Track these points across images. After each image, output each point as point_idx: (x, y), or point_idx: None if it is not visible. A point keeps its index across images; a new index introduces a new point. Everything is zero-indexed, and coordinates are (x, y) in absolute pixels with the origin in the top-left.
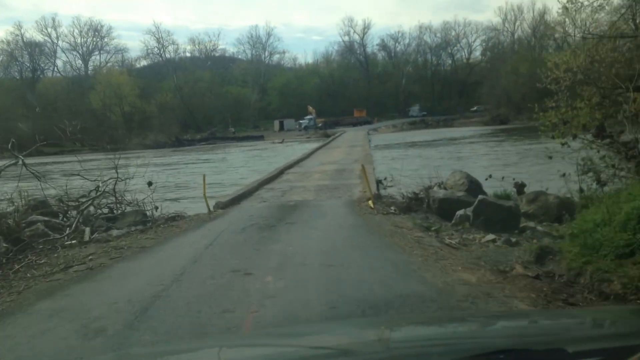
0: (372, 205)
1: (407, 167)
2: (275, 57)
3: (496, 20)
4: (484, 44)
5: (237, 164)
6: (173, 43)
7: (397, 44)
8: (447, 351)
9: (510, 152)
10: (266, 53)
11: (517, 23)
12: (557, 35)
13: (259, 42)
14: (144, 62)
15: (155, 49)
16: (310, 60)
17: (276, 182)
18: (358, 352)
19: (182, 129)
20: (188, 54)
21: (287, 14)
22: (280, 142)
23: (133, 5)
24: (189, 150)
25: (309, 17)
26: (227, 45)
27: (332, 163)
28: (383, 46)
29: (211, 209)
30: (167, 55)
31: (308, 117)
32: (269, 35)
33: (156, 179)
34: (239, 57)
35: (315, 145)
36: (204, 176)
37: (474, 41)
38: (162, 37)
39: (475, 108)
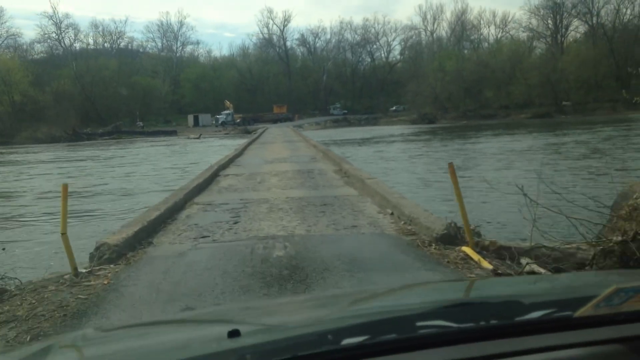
0: (483, 263)
1: (414, 168)
2: (189, 49)
3: (416, 19)
4: (402, 43)
5: (147, 164)
6: (73, 28)
7: (317, 40)
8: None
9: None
10: (178, 43)
11: (437, 23)
12: (473, 37)
13: (170, 31)
14: (40, 50)
15: (54, 34)
16: (226, 53)
17: (213, 192)
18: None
19: (83, 122)
20: (91, 42)
21: (197, 8)
22: (197, 138)
23: None
24: (88, 145)
25: (220, 13)
26: (136, 34)
27: (282, 161)
28: (303, 41)
29: (82, 269)
30: (67, 42)
31: (225, 112)
32: (181, 24)
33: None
34: (149, 48)
35: (241, 141)
36: (65, 187)
37: (393, 40)
38: (59, 20)
39: (394, 107)
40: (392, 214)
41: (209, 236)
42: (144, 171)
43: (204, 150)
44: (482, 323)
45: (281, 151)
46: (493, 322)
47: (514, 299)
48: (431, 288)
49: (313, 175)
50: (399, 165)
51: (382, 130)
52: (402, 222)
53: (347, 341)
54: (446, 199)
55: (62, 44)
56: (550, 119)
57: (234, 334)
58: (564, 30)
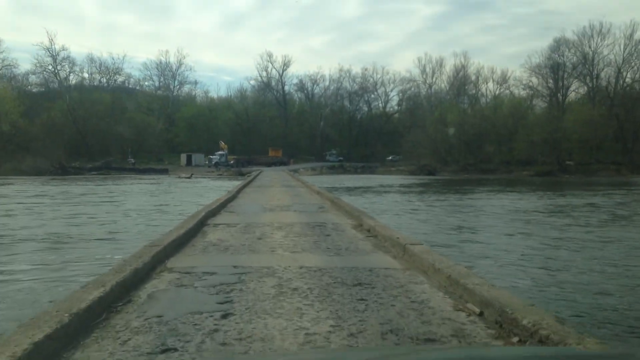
0: None
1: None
2: (186, 88)
3: (415, 71)
4: (400, 94)
5: (120, 203)
6: (69, 61)
7: (315, 86)
8: None
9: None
10: (176, 82)
11: (435, 76)
12: (471, 92)
13: (169, 69)
14: (36, 81)
15: (50, 67)
16: (223, 94)
17: (197, 250)
18: None
19: (73, 156)
20: (86, 76)
21: (197, 51)
22: (188, 178)
23: (32, 29)
24: (71, 180)
25: (219, 57)
26: (133, 71)
27: (284, 209)
28: (301, 87)
29: None
30: (63, 75)
31: (219, 152)
32: (179, 63)
33: None
34: (146, 86)
35: (235, 183)
36: None
37: (391, 90)
38: (55, 52)
39: (390, 157)
40: (481, 314)
41: (174, 350)
42: (111, 212)
43: (193, 191)
44: None
45: (281, 197)
46: None
47: None
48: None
49: (327, 230)
50: (428, 217)
51: (382, 179)
52: (516, 339)
53: None
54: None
55: (58, 77)
56: (554, 178)
57: None
58: (564, 90)
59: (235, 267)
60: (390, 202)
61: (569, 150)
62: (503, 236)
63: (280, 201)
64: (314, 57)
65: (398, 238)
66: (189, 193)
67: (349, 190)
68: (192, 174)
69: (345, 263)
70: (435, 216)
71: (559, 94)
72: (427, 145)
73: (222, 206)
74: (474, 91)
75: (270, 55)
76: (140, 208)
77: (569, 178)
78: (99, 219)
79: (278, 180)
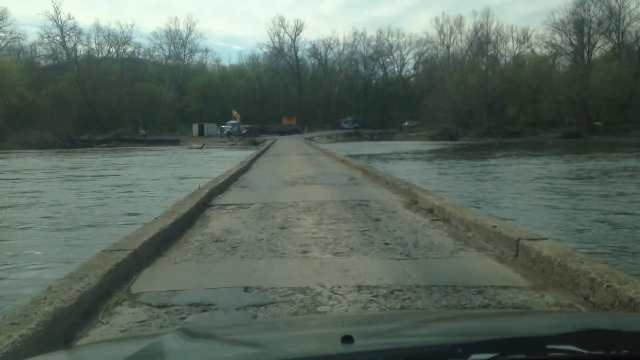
0: None
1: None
2: (197, 57)
3: (432, 32)
4: (417, 57)
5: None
6: (75, 31)
7: (329, 51)
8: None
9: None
10: (186, 50)
11: (453, 36)
12: (490, 53)
13: (179, 37)
14: (43, 53)
15: (58, 37)
16: (235, 63)
17: (190, 252)
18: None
19: (83, 128)
20: (94, 46)
21: (207, 20)
22: (200, 148)
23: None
24: (77, 153)
25: (230, 26)
26: (142, 39)
27: (308, 182)
28: (314, 52)
29: None
30: (70, 45)
31: (231, 122)
32: (190, 30)
33: None
34: (156, 55)
35: (249, 152)
36: None
37: (407, 53)
38: (61, 21)
39: (407, 123)
40: None
41: None
42: (97, 189)
43: (203, 162)
44: (613, 352)
45: (301, 166)
46: (624, 351)
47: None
48: (556, 316)
49: (373, 212)
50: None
51: (402, 145)
52: None
53: (476, 356)
54: None
55: (65, 48)
56: (583, 139)
57: (347, 339)
58: (590, 47)
59: (246, 289)
60: (421, 170)
61: (596, 109)
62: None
63: (301, 171)
64: (326, 23)
65: (495, 227)
66: (200, 164)
67: (371, 157)
68: (203, 144)
69: (430, 276)
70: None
71: (584, 51)
72: (448, 108)
73: (232, 179)
74: (492, 52)
75: (282, 20)
76: (153, 183)
77: (599, 139)
78: (71, 200)
79: (294, 149)
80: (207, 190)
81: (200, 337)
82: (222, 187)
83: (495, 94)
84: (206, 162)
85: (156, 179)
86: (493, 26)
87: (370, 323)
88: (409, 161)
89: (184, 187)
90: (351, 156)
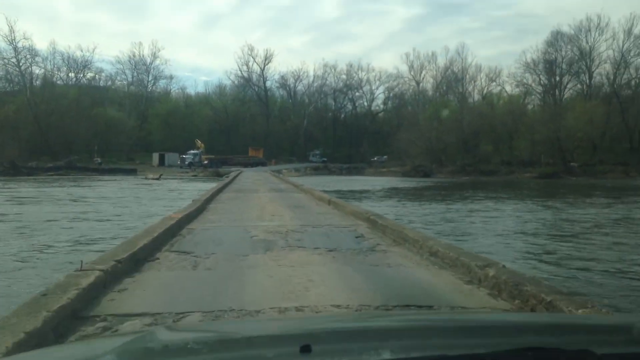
0: None
1: None
2: (161, 84)
3: (402, 67)
4: (386, 91)
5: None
6: (30, 50)
7: (298, 83)
8: (474, 345)
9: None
10: (150, 77)
11: (424, 72)
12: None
13: (142, 63)
14: None
15: (12, 59)
16: (201, 90)
17: None
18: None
19: (34, 154)
20: (49, 68)
21: (173, 50)
22: (157, 179)
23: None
24: (16, 181)
25: (197, 56)
26: (104, 64)
27: (295, 241)
28: (283, 84)
29: None
30: (25, 66)
31: (192, 151)
32: (154, 57)
33: None
34: (119, 80)
35: (211, 185)
36: None
37: (376, 88)
38: (16, 41)
39: (376, 158)
40: None
41: None
42: None
43: (148, 198)
44: None
45: (276, 209)
46: None
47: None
48: (501, 323)
49: None
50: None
51: (375, 181)
52: None
53: None
54: None
55: (19, 68)
56: (559, 180)
57: (305, 349)
58: (562, 87)
59: None
60: (419, 213)
61: (571, 150)
62: None
63: (277, 219)
64: (294, 57)
65: None
66: (139, 201)
67: (348, 194)
68: (160, 175)
69: None
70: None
71: (555, 91)
72: (421, 144)
73: (169, 233)
74: (461, 89)
75: (251, 49)
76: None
77: (576, 181)
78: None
79: (263, 183)
80: (90, 279)
81: (182, 332)
82: (137, 258)
83: (470, 131)
84: (151, 199)
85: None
86: (464, 63)
87: (328, 329)
88: (393, 200)
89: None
90: (327, 192)
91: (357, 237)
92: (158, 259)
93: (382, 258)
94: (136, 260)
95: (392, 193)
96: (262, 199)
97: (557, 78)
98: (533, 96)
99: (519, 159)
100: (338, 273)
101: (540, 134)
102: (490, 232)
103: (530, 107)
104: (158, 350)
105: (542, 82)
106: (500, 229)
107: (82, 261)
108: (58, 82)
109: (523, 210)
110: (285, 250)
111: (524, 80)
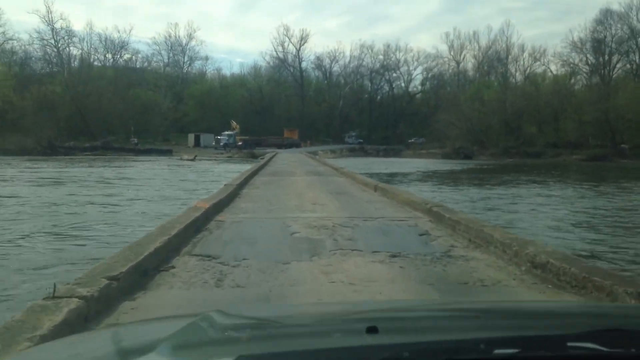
0: None
1: None
2: (197, 65)
3: (441, 47)
4: (424, 72)
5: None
6: (67, 31)
7: (334, 64)
8: (549, 326)
9: None
10: (185, 58)
11: (464, 53)
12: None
13: (178, 44)
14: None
15: (51, 40)
16: (237, 71)
17: None
18: None
19: (71, 135)
20: (85, 48)
21: (209, 33)
22: (191, 160)
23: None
24: (50, 161)
25: (233, 39)
26: (141, 45)
27: (343, 243)
28: (318, 65)
29: None
30: (62, 47)
31: (227, 132)
32: (190, 37)
33: None
34: (155, 62)
35: (244, 167)
36: None
37: (414, 69)
38: (53, 22)
39: (413, 139)
40: None
41: None
42: None
43: (179, 180)
44: (633, 350)
45: (317, 196)
46: None
47: None
48: (575, 310)
49: None
50: None
51: (415, 163)
52: None
53: (498, 351)
54: None
55: (57, 49)
56: (609, 163)
57: (372, 330)
58: (610, 66)
59: None
60: (459, 198)
61: (621, 131)
62: None
63: (319, 208)
64: (330, 40)
65: None
66: (169, 183)
67: (387, 177)
68: (195, 156)
69: None
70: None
71: (604, 71)
72: (461, 125)
73: (190, 230)
74: (503, 70)
75: (287, 29)
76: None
77: (627, 163)
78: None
79: (299, 165)
80: (58, 317)
81: (234, 318)
82: (143, 269)
83: (513, 111)
84: (181, 182)
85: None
86: (508, 42)
87: (393, 313)
88: (429, 184)
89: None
90: (367, 175)
91: (421, 235)
92: (174, 267)
93: (468, 270)
94: (143, 271)
95: (432, 176)
96: (300, 183)
97: (606, 57)
98: (579, 76)
99: (565, 141)
100: (409, 281)
101: (588, 114)
102: (539, 223)
103: (576, 87)
104: (220, 338)
105: (589, 61)
106: (551, 218)
107: (55, 285)
108: (95, 63)
109: (573, 197)
110: (336, 254)
111: (570, 60)
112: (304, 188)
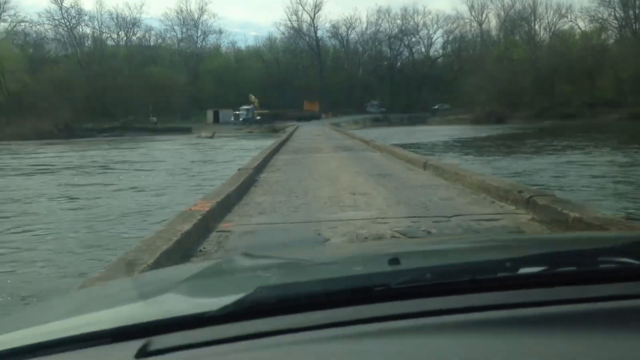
0: None
1: None
2: (211, 39)
3: (461, 8)
4: (445, 35)
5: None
6: (77, 10)
7: (351, 31)
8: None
9: None
10: (199, 32)
11: (485, 13)
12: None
13: (190, 18)
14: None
15: (63, 21)
16: (251, 45)
17: None
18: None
19: (90, 116)
20: (97, 26)
21: (222, 8)
22: (210, 137)
23: None
24: (65, 144)
25: (246, 13)
26: (152, 21)
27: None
28: (334, 33)
29: None
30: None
31: (245, 107)
32: (202, 10)
33: None
34: (168, 38)
35: (264, 143)
36: None
37: (434, 32)
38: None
39: (437, 106)
40: None
41: None
42: None
43: (188, 161)
44: None
45: (354, 180)
46: None
47: None
48: (608, 236)
49: None
50: None
51: (448, 131)
52: None
53: (524, 270)
54: None
55: (68, 28)
56: None
57: (394, 261)
58: None
59: None
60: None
61: None
62: None
63: (364, 201)
64: (345, 8)
65: None
66: (176, 166)
67: (430, 148)
68: (214, 133)
69: None
70: None
71: (636, 24)
72: (491, 87)
73: (177, 256)
74: (527, 28)
75: None
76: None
77: None
78: None
79: (324, 139)
80: None
81: (259, 259)
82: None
83: (545, 71)
84: (193, 164)
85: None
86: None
87: (417, 246)
88: (492, 153)
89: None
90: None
91: None
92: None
93: None
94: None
95: (471, 144)
96: (330, 162)
97: (637, 10)
98: (610, 31)
99: (601, 100)
100: None
101: (626, 70)
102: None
103: (611, 42)
104: (242, 276)
105: (617, 15)
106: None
107: None
108: (108, 42)
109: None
110: None
111: (599, 15)
112: (336, 169)
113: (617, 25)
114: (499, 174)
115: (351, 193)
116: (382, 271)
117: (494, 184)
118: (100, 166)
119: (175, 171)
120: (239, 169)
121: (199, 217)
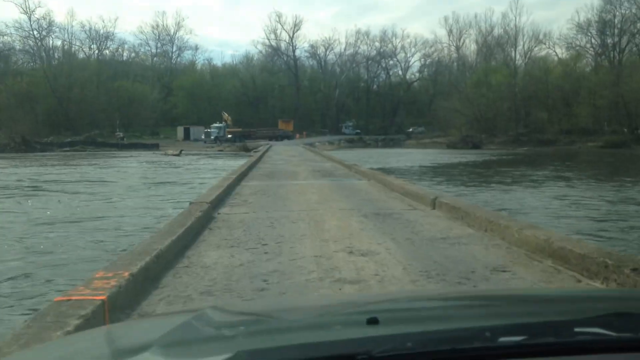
0: None
1: None
2: (187, 55)
3: (440, 32)
4: (422, 59)
5: None
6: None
7: (329, 52)
8: (555, 312)
9: None
10: (174, 48)
11: (463, 38)
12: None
13: (166, 33)
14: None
15: (34, 32)
16: (229, 61)
17: None
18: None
19: (53, 129)
20: (67, 37)
21: (201, 26)
22: (177, 155)
23: None
24: (15, 158)
25: (224, 31)
26: (127, 35)
27: None
28: (313, 53)
29: None
30: (42, 35)
31: (217, 124)
32: (178, 26)
33: None
34: (142, 52)
35: (233, 163)
36: None
37: (412, 56)
38: (30, 9)
39: (411, 129)
40: None
41: None
42: None
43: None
44: None
45: (348, 227)
46: None
47: None
48: (583, 295)
49: None
50: None
51: (424, 155)
52: None
53: (504, 339)
54: None
55: (35, 39)
56: (629, 150)
57: (373, 321)
58: (619, 49)
59: None
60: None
61: (637, 116)
62: None
63: (372, 270)
64: (324, 29)
65: None
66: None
67: (415, 174)
68: (181, 150)
69: None
70: None
71: (612, 53)
72: (467, 112)
73: None
74: (505, 54)
75: (279, 16)
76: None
77: None
78: None
79: (300, 161)
80: None
81: (231, 314)
82: None
83: (522, 97)
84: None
85: None
86: (517, 21)
87: (393, 304)
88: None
89: None
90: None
91: None
92: None
93: None
94: None
95: (459, 171)
96: (309, 193)
97: (616, 39)
98: (587, 59)
99: (578, 127)
100: None
101: (603, 98)
102: None
103: (588, 70)
104: (216, 335)
105: (593, 44)
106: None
107: None
108: (80, 55)
109: (619, 201)
110: None
111: (577, 42)
112: (318, 204)
113: (593, 53)
114: (522, 209)
115: (347, 251)
116: (363, 336)
117: (576, 250)
118: (27, 186)
119: (112, 197)
120: (190, 202)
121: (76, 322)
